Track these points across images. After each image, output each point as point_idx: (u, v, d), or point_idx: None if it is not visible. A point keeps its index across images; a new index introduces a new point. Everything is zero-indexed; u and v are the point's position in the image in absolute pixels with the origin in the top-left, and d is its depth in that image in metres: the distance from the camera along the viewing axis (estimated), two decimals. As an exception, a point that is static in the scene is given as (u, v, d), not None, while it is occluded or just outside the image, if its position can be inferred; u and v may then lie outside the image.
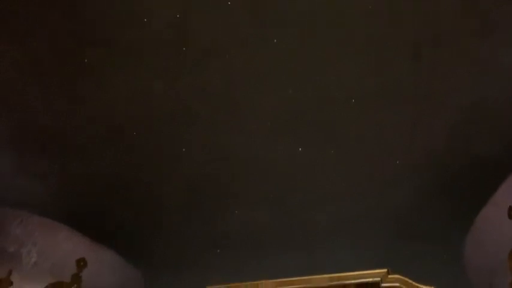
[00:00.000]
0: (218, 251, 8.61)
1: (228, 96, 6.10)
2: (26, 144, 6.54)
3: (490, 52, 5.38)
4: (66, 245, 7.97)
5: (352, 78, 5.87)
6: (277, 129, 6.52)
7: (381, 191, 7.30)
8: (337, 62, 5.73)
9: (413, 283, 7.75)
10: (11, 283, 6.45)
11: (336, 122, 6.38)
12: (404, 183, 7.14)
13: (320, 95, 6.08)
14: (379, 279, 7.97)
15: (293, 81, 5.92)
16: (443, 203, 7.32)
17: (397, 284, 7.85)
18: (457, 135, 6.37)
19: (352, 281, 8.15)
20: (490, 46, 5.32)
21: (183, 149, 6.81)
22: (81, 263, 7.59)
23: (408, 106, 6.11)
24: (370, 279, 8.04)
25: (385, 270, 8.00)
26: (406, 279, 7.81)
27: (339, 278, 8.22)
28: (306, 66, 5.77)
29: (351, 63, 5.72)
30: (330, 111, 6.27)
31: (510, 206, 6.24)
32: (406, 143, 6.58)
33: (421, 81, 5.79)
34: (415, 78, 5.77)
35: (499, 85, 5.69)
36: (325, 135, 6.61)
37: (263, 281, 8.52)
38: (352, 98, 6.07)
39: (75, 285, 7.28)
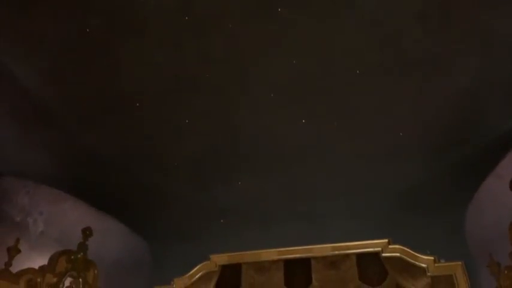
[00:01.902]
0: (222, 221, 8.72)
1: (230, 67, 6.04)
2: (30, 114, 6.55)
3: (498, 22, 5.28)
4: (72, 215, 8.10)
5: (356, 48, 5.79)
6: (281, 101, 6.49)
7: (383, 162, 7.31)
8: (342, 32, 5.64)
9: (414, 253, 7.89)
10: (19, 251, 6.59)
11: (340, 93, 6.34)
12: (407, 155, 7.15)
13: (324, 66, 6.02)
14: (379, 249, 8.11)
15: (297, 52, 5.85)
16: (445, 174, 7.34)
17: (398, 254, 8.00)
18: (461, 107, 6.33)
19: (354, 251, 8.30)
20: (497, 16, 5.22)
21: (186, 121, 6.81)
22: (87, 232, 7.73)
23: (412, 78, 6.04)
24: (371, 249, 8.18)
25: (386, 240, 8.12)
26: (407, 249, 7.94)
27: (341, 248, 8.38)
28: (310, 37, 5.68)
29: (355, 34, 5.63)
30: (334, 82, 6.21)
31: (512, 178, 6.26)
32: (410, 114, 6.55)
33: (427, 53, 5.70)
34: (421, 50, 5.68)
35: (506, 56, 5.61)
36: (329, 107, 6.57)
37: (266, 250, 8.69)
38: (356, 69, 6.00)
39: (82, 254, 7.43)
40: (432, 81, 6.05)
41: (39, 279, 6.70)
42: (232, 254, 8.85)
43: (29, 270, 6.68)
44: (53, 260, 7.09)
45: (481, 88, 5.99)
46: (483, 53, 5.60)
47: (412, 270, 7.76)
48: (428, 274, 7.63)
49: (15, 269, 6.50)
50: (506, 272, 6.12)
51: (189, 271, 8.88)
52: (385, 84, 6.17)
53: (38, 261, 7.04)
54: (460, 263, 7.63)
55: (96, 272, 7.58)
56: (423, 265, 7.75)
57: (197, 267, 8.89)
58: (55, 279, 6.93)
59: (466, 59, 5.71)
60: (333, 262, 8.31)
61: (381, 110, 6.55)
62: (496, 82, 5.91)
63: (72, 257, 7.32)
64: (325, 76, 6.12)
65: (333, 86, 6.25)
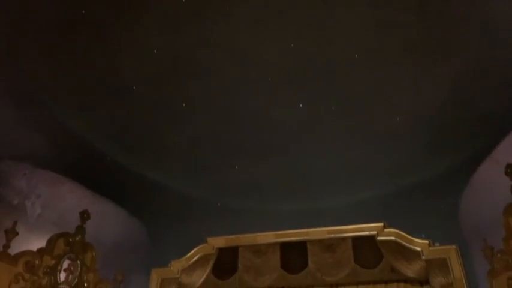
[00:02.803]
0: (219, 204, 8.76)
1: (228, 51, 6.00)
2: (28, 98, 6.51)
3: (497, 6, 5.24)
4: (70, 198, 8.11)
5: (355, 33, 5.75)
6: (278, 85, 6.46)
7: (380, 147, 7.33)
8: (340, 16, 5.59)
9: (409, 236, 7.94)
10: (17, 233, 6.61)
11: (338, 77, 6.31)
12: (403, 138, 7.16)
13: (322, 50, 5.98)
14: (375, 232, 8.16)
15: (295, 35, 5.81)
16: (442, 159, 7.37)
17: (393, 238, 8.05)
18: (458, 91, 6.32)
19: (349, 234, 8.35)
20: (496, 1, 5.18)
21: (184, 104, 6.79)
22: (85, 215, 7.76)
23: (411, 61, 6.02)
24: (367, 233, 8.24)
25: (381, 224, 8.17)
26: (402, 232, 7.99)
27: (337, 231, 8.42)
28: (308, 21, 5.64)
29: (354, 17, 5.59)
30: (332, 66, 6.19)
31: (508, 164, 6.30)
32: (407, 98, 6.55)
33: (425, 37, 5.67)
34: (419, 34, 5.65)
35: (504, 41, 5.58)
36: (327, 91, 6.55)
37: (262, 233, 8.74)
38: (355, 53, 5.97)
39: (79, 236, 7.47)
40: (430, 65, 6.04)
41: (37, 261, 6.74)
42: (230, 237, 8.91)
43: (27, 253, 6.72)
44: (51, 243, 7.12)
45: (479, 73, 5.98)
46: (482, 37, 5.57)
47: (407, 254, 7.82)
48: (423, 257, 7.70)
49: (13, 251, 6.53)
50: (499, 255, 6.21)
51: (187, 253, 8.95)
52: (384, 68, 6.15)
53: (36, 243, 7.07)
54: (454, 246, 7.70)
55: (94, 254, 7.63)
56: (418, 249, 7.81)
57: (195, 249, 8.96)
58: (53, 262, 6.97)
59: (465, 43, 5.68)
60: (329, 245, 8.38)
61: (379, 94, 6.54)
62: (494, 67, 5.89)
63: (70, 239, 7.36)
64: (323, 60, 6.09)
65: (331, 70, 6.22)
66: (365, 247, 8.25)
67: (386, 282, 8.20)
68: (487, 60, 5.82)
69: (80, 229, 7.60)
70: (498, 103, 6.32)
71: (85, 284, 7.22)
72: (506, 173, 6.21)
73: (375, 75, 6.24)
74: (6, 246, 6.45)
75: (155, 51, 5.92)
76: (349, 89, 6.52)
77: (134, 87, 6.46)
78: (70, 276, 7.04)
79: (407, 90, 6.47)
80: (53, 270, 6.91)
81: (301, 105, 6.75)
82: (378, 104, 6.72)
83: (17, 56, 5.89)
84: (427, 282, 7.82)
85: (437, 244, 7.81)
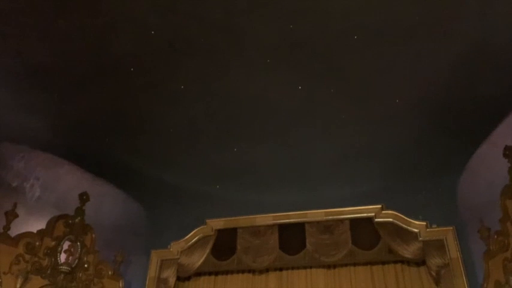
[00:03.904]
0: (218, 186, 8.79)
1: (226, 31, 5.93)
2: (25, 79, 6.46)
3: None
4: (69, 180, 8.14)
5: (354, 14, 5.69)
6: (277, 66, 6.41)
7: (378, 129, 7.32)
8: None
9: (406, 218, 8.02)
10: (17, 215, 6.66)
11: (337, 59, 6.26)
12: (402, 121, 7.15)
13: (321, 31, 5.92)
14: (373, 214, 8.24)
15: (294, 16, 5.74)
16: (440, 141, 7.37)
17: (390, 219, 8.13)
18: (458, 74, 6.28)
19: (347, 216, 8.43)
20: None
21: (182, 86, 6.74)
22: (84, 197, 7.82)
23: (410, 43, 5.97)
24: (365, 215, 8.31)
25: (379, 206, 8.23)
26: (399, 214, 8.06)
27: (334, 213, 8.50)
28: (307, 1, 5.57)
29: (353, -2, 5.52)
30: (331, 48, 6.13)
31: (506, 146, 6.32)
32: (406, 80, 6.51)
33: (425, 18, 5.61)
34: (419, 15, 5.59)
35: (505, 23, 5.53)
36: (326, 73, 6.51)
37: (261, 215, 8.81)
38: (354, 34, 5.91)
39: (79, 218, 7.53)
40: (429, 46, 5.98)
41: (37, 243, 6.82)
42: (228, 218, 8.98)
43: (28, 234, 6.79)
44: (51, 224, 7.19)
45: (478, 54, 5.93)
46: (482, 19, 5.51)
47: (405, 235, 7.90)
48: (420, 239, 7.78)
49: (13, 233, 6.58)
50: (496, 236, 6.28)
51: (186, 235, 9.03)
52: (383, 50, 6.10)
53: (36, 225, 7.13)
54: (451, 228, 7.77)
55: (93, 236, 7.71)
56: (415, 230, 7.89)
57: (194, 231, 9.05)
58: (53, 243, 7.05)
59: (465, 25, 5.63)
60: (327, 227, 8.46)
61: (378, 76, 6.50)
62: (493, 48, 5.85)
63: (70, 221, 7.42)
64: (322, 41, 6.03)
65: (330, 51, 6.17)
66: (363, 229, 8.34)
67: (383, 263, 8.31)
68: (487, 43, 5.77)
69: (80, 211, 7.66)
70: (497, 86, 6.30)
71: (85, 265, 7.32)
72: (505, 155, 6.25)
73: (374, 57, 6.19)
74: (7, 227, 6.50)
75: (153, 32, 5.85)
76: (348, 71, 6.48)
77: (132, 69, 6.40)
78: (70, 258, 7.13)
79: (407, 73, 6.43)
80: (54, 252, 6.99)
81: (300, 87, 6.72)
82: (377, 87, 6.69)
83: (13, 37, 5.82)
84: (423, 263, 7.93)
85: (434, 225, 7.89)
